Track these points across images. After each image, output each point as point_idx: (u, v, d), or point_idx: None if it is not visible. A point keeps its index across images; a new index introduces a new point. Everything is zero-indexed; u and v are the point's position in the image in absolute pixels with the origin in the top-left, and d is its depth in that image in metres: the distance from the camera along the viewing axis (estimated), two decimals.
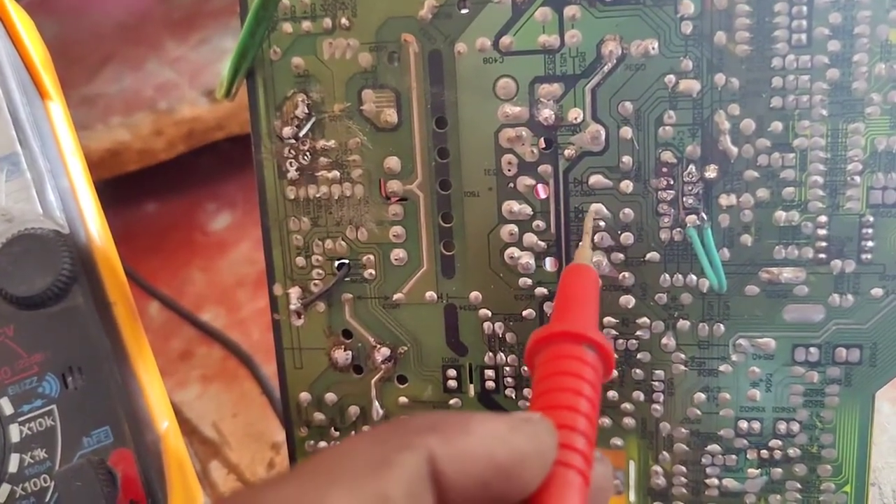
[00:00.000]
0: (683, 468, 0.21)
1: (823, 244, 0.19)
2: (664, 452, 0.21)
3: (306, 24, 0.20)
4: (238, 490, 0.17)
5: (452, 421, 0.13)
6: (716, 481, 0.21)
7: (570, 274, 0.18)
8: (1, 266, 0.23)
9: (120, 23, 0.49)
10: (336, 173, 0.21)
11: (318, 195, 0.21)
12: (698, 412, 0.21)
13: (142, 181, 0.39)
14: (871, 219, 0.19)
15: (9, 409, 0.23)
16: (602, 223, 0.20)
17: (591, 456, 0.15)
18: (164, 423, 0.25)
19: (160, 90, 0.37)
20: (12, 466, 0.23)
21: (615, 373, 0.21)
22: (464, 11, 0.20)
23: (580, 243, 0.19)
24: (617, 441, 0.21)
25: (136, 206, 0.41)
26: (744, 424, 0.20)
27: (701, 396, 0.20)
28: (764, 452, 0.21)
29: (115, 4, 0.53)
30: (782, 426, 0.20)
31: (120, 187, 0.39)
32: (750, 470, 0.21)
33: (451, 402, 0.22)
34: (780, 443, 0.20)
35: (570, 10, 0.19)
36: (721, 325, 0.20)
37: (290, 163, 0.21)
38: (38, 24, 0.27)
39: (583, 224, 0.20)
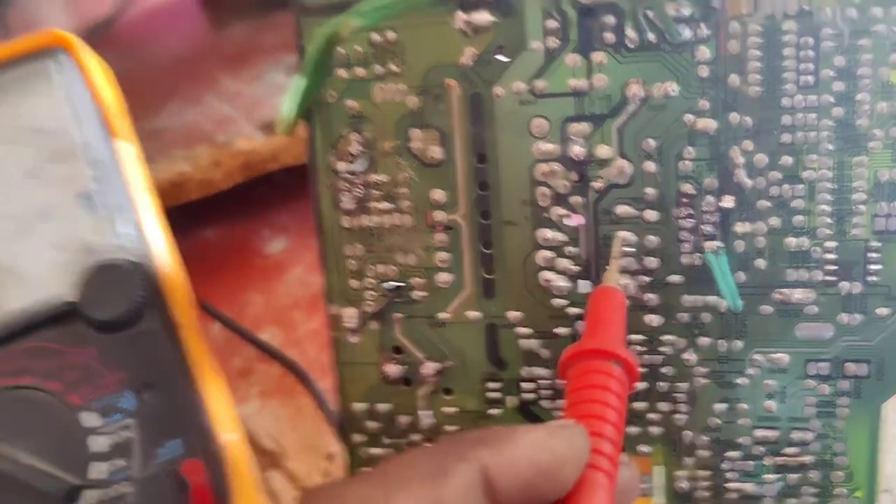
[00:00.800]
0: (705, 473, 0.23)
1: (832, 267, 0.21)
2: (687, 458, 0.23)
3: (360, 71, 0.23)
4: (320, 486, 0.19)
5: (500, 434, 0.15)
6: (736, 485, 0.23)
7: (599, 296, 0.20)
8: (83, 294, 0.26)
9: (178, 58, 0.52)
10: (387, 204, 0.23)
11: (370, 224, 0.23)
12: (718, 421, 0.22)
13: (201, 210, 0.42)
14: (877, 244, 0.21)
15: (92, 423, 0.26)
16: (628, 249, 0.22)
17: (617, 460, 0.17)
18: (231, 434, 0.27)
19: (218, 124, 0.40)
20: (95, 474, 0.25)
21: (642, 385, 0.22)
22: (501, 58, 0.22)
23: (608, 267, 0.21)
24: (644, 448, 0.23)
25: (197, 233, 0.44)
26: (760, 433, 0.22)
27: (721, 407, 0.22)
28: (780, 459, 0.22)
29: (172, 40, 0.57)
30: (797, 435, 0.22)
31: (182, 215, 0.42)
32: (767, 475, 0.22)
33: (493, 412, 0.24)
34: (795, 450, 0.22)
35: (596, 57, 0.21)
36: (738, 341, 0.22)
37: (345, 195, 0.23)
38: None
39: (611, 250, 0.22)
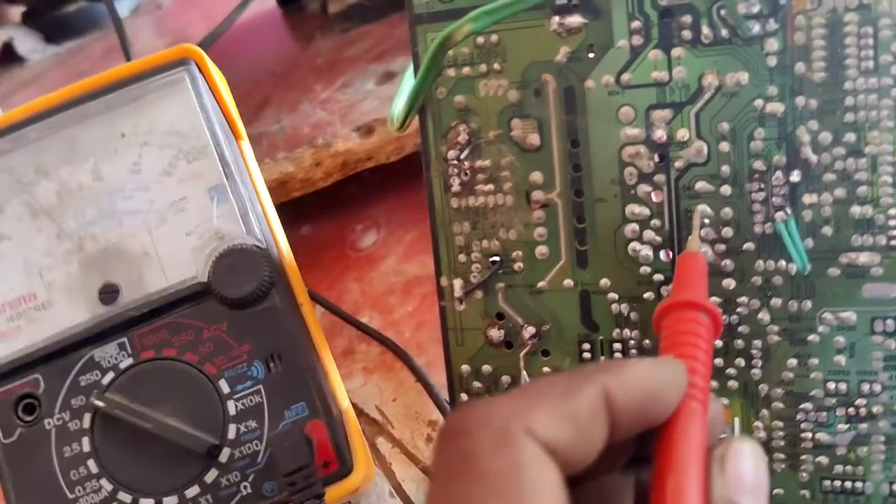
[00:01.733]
0: (781, 423, 0.25)
1: (895, 232, 0.23)
2: (764, 410, 0.25)
3: (466, 69, 0.26)
4: (469, 402, 0.22)
5: (618, 363, 0.18)
6: (809, 435, 0.25)
7: (685, 259, 0.23)
8: (216, 275, 0.29)
9: (269, 72, 0.56)
10: (491, 186, 0.26)
11: (476, 204, 0.27)
12: (791, 375, 0.25)
13: (297, 207, 0.46)
14: None
15: (226, 389, 0.29)
16: (707, 220, 0.24)
17: (708, 393, 0.19)
18: (345, 401, 0.30)
19: (316, 128, 0.44)
20: (231, 434, 0.29)
21: (719, 343, 0.25)
22: (591, 55, 0.25)
23: (690, 236, 0.24)
24: (723, 401, 0.26)
25: (292, 230, 0.47)
26: (832, 385, 0.24)
27: (793, 362, 0.25)
28: (851, 410, 0.24)
29: (263, 56, 0.61)
30: (866, 387, 0.24)
31: (280, 212, 0.46)
32: (839, 425, 0.25)
33: (597, 362, 0.27)
34: (864, 401, 0.24)
35: (676, 52, 0.24)
36: (808, 301, 0.24)
37: (454, 179, 0.27)
38: None
39: (691, 221, 0.24)
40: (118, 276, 0.30)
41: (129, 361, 0.29)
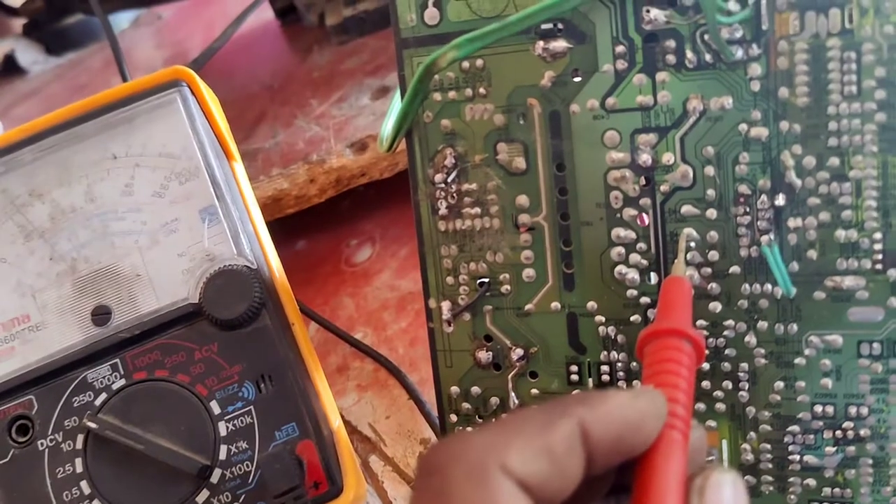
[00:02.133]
0: (768, 446, 0.25)
1: (879, 256, 0.23)
2: (751, 433, 0.25)
3: (452, 94, 0.26)
4: (445, 437, 0.22)
5: (595, 395, 0.18)
6: (797, 457, 0.25)
7: (669, 284, 0.23)
8: (207, 296, 0.29)
9: (266, 86, 0.56)
10: (478, 209, 0.26)
11: (463, 227, 0.27)
12: (779, 398, 0.25)
13: (292, 222, 0.46)
14: None
15: (217, 410, 0.29)
16: (692, 244, 0.24)
17: (689, 422, 0.20)
18: (336, 420, 0.30)
19: (310, 144, 0.44)
20: (222, 455, 0.29)
21: (706, 366, 0.25)
22: (576, 79, 0.25)
23: (675, 260, 0.24)
24: (711, 423, 0.26)
25: (287, 245, 0.48)
26: (819, 408, 0.24)
27: (780, 385, 0.25)
28: (838, 433, 0.24)
29: (260, 70, 0.61)
30: (853, 410, 0.24)
31: (274, 229, 0.46)
32: (827, 448, 0.25)
33: (574, 392, 0.27)
34: (851, 424, 0.24)
35: (660, 76, 0.24)
36: (794, 325, 0.24)
37: (441, 202, 0.27)
38: None
39: (677, 245, 0.25)
40: (110, 298, 0.30)
41: (121, 382, 0.30)
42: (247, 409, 0.30)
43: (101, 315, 0.30)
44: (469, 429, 0.28)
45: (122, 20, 0.89)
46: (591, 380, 0.27)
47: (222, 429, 0.29)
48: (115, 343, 0.30)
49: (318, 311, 0.41)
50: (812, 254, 0.24)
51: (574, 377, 0.27)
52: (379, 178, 0.42)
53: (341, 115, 0.45)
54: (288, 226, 0.46)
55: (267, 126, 0.48)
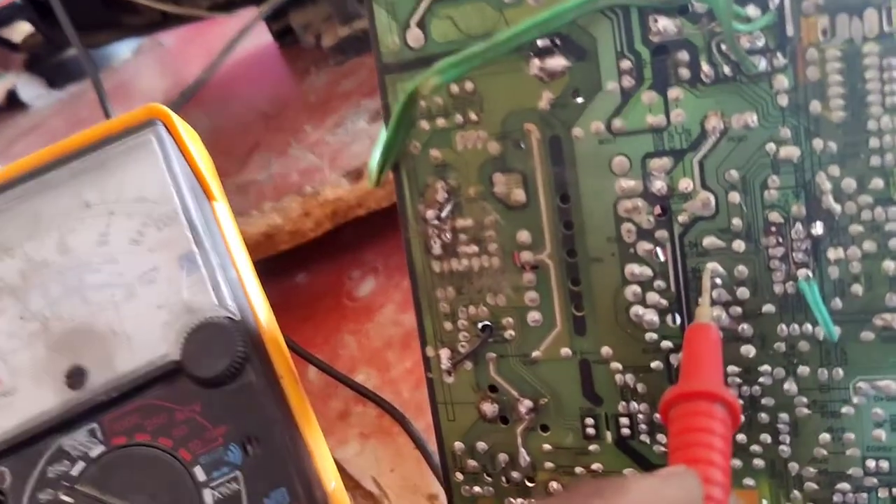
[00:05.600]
0: None
1: None
2: (795, 491, 0.22)
3: (441, 121, 0.23)
4: None
5: (613, 485, 0.16)
6: None
7: (694, 333, 0.20)
8: (187, 352, 0.27)
9: (262, 111, 0.54)
10: (475, 248, 0.24)
11: (460, 268, 0.24)
12: (825, 452, 0.22)
13: (291, 255, 0.44)
14: None
15: (202, 476, 0.27)
16: (718, 280, 0.22)
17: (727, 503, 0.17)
18: (332, 483, 0.28)
19: (304, 174, 0.41)
20: None
21: (742, 418, 0.22)
22: (578, 100, 0.22)
23: (700, 301, 0.21)
24: (749, 482, 0.23)
25: (287, 279, 0.45)
26: (871, 463, 0.21)
27: (826, 437, 0.22)
28: (895, 491, 0.22)
29: (256, 94, 0.59)
30: None
31: (272, 262, 0.44)
32: None
33: (591, 447, 0.24)
34: None
35: (673, 93, 0.21)
36: (840, 369, 0.21)
37: (435, 241, 0.24)
38: (191, 119, 0.32)
39: (700, 282, 0.22)
40: (86, 358, 0.28)
41: (100, 449, 0.27)
42: (233, 474, 0.27)
43: (76, 377, 0.28)
44: (477, 489, 0.25)
45: (124, 50, 0.87)
46: (609, 433, 0.24)
47: (208, 497, 0.27)
48: (91, 407, 0.27)
49: (319, 350, 0.39)
50: (857, 289, 0.21)
51: (590, 430, 0.24)
52: (377, 207, 0.39)
53: (336, 141, 0.43)
54: (287, 256, 0.44)
55: (261, 156, 0.46)
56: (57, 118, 0.77)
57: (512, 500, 0.25)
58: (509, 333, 0.24)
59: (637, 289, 0.22)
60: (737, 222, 0.21)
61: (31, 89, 0.87)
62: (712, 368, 0.19)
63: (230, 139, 0.50)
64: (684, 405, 0.18)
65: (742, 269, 0.21)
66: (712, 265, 0.22)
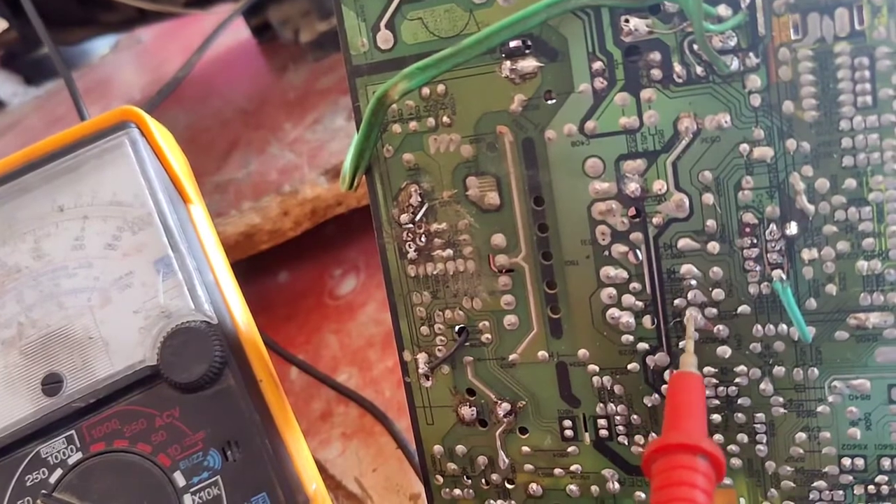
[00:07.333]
0: None
1: None
2: (772, 490, 0.22)
3: (413, 125, 0.23)
4: None
5: None
6: None
7: (677, 382, 0.20)
8: (164, 357, 0.27)
9: (241, 108, 0.54)
10: (450, 252, 0.23)
11: (435, 272, 0.24)
12: (801, 451, 0.22)
13: (272, 254, 0.43)
14: None
15: (182, 482, 0.26)
16: (700, 320, 0.21)
17: None
18: (313, 485, 0.28)
19: (283, 173, 0.41)
20: None
21: (718, 417, 0.22)
22: (550, 102, 0.22)
23: (684, 348, 0.21)
24: (727, 481, 0.23)
25: (269, 278, 0.45)
26: (847, 461, 0.21)
27: (802, 436, 0.22)
28: (871, 488, 0.22)
29: (235, 91, 0.58)
30: (886, 462, 0.21)
31: (253, 262, 0.44)
32: None
33: (570, 449, 0.24)
34: (885, 478, 0.21)
35: (645, 94, 0.21)
36: (815, 369, 0.21)
37: (409, 245, 0.24)
38: (169, 116, 0.31)
39: (675, 285, 0.22)
40: (62, 365, 0.28)
41: (77, 456, 0.27)
42: (213, 479, 0.27)
43: (52, 384, 0.28)
44: (457, 491, 0.25)
45: (101, 46, 0.87)
46: (587, 435, 0.24)
47: (188, 503, 0.27)
48: (69, 413, 0.27)
49: (301, 350, 0.39)
50: (831, 288, 0.21)
51: (568, 433, 0.24)
52: (356, 206, 0.39)
53: (315, 138, 0.42)
54: (268, 255, 0.43)
55: (240, 154, 0.46)
56: (34, 116, 0.76)
57: (492, 502, 0.25)
58: (486, 337, 0.24)
59: (612, 291, 0.22)
60: (711, 223, 0.21)
61: (7, 87, 0.86)
62: (695, 419, 0.19)
63: (209, 136, 0.49)
64: (666, 458, 0.18)
65: (717, 271, 0.21)
66: (694, 314, 0.21)
